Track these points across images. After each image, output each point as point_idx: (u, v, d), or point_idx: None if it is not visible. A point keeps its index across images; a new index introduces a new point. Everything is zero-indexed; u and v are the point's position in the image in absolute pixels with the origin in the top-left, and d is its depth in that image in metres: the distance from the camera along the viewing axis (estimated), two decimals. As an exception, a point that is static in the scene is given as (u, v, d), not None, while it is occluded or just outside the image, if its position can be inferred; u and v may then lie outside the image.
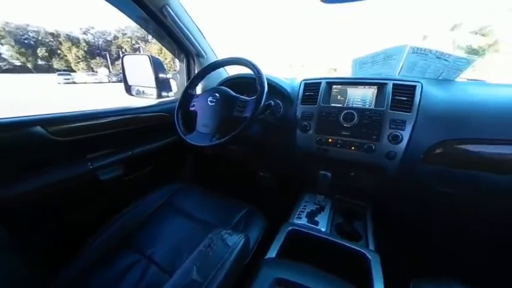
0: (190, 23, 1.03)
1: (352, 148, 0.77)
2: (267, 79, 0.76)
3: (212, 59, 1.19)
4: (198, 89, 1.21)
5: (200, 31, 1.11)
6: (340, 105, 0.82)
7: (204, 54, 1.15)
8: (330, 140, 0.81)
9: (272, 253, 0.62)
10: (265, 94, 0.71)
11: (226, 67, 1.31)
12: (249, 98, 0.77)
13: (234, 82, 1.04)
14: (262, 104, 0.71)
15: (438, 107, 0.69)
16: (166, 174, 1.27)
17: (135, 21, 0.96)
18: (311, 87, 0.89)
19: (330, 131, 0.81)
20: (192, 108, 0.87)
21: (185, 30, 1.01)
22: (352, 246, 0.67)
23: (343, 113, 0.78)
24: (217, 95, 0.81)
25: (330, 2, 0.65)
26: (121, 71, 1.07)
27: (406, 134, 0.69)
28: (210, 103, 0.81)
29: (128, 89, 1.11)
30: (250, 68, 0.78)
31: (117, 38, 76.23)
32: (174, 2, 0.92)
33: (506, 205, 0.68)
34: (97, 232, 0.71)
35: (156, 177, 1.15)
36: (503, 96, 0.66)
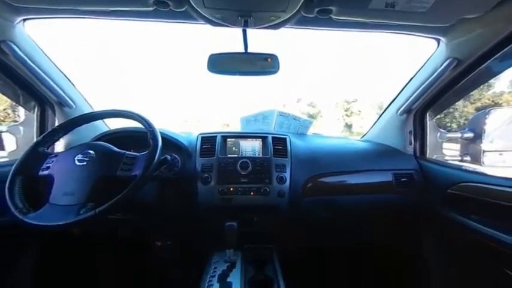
0: (49, 65, 0.85)
1: (252, 193, 0.85)
2: (161, 133, 0.72)
3: (85, 110, 0.99)
4: (60, 147, 0.92)
5: (66, 77, 0.92)
6: (236, 155, 0.92)
7: (71, 103, 0.94)
8: (231, 189, 0.85)
9: None
10: (159, 148, 0.66)
11: (108, 122, 1.12)
12: (138, 154, 0.68)
13: (116, 137, 0.89)
14: (156, 159, 0.64)
15: (302, 152, 0.97)
16: None
17: None
18: (208, 141, 0.93)
19: (230, 180, 0.86)
20: (45, 173, 0.63)
21: (40, 73, 0.80)
22: None
23: (239, 162, 0.87)
24: (91, 152, 0.65)
25: (214, 72, 0.80)
26: None
27: (287, 175, 0.88)
28: (78, 163, 0.63)
29: None
30: (140, 121, 0.72)
31: None
32: (22, 38, 0.73)
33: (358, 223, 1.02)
34: None
35: None
36: (331, 144, 1.12)
